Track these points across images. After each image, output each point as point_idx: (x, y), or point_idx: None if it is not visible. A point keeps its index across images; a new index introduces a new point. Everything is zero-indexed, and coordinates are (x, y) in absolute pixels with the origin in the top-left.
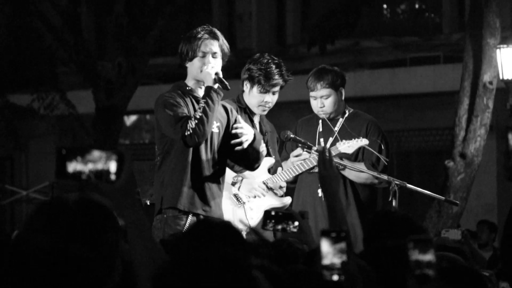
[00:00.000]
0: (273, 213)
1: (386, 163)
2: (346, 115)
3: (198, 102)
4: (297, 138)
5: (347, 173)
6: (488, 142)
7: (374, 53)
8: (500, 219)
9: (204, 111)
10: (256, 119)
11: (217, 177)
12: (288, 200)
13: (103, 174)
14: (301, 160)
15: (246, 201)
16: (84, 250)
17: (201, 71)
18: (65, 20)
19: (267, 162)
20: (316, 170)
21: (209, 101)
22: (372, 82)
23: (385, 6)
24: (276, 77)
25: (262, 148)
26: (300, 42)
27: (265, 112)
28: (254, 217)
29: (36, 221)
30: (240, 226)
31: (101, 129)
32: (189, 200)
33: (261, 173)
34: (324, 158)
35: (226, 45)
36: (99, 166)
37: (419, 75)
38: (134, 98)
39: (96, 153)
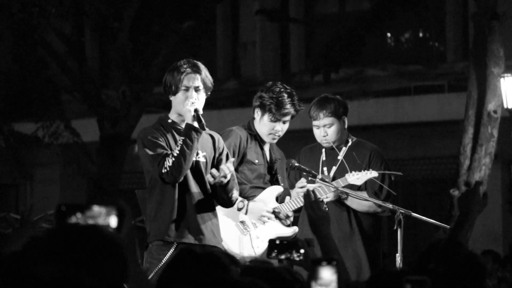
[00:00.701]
0: (277, 242)
1: (388, 192)
2: (349, 143)
3: (178, 133)
4: (302, 166)
5: (350, 201)
6: (493, 171)
7: (378, 81)
8: (505, 247)
9: (182, 150)
10: (266, 147)
11: (209, 206)
12: (295, 229)
13: None
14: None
15: (253, 228)
16: (86, 278)
17: (184, 106)
18: (69, 48)
19: (275, 190)
20: (324, 199)
21: (187, 140)
22: (377, 111)
23: (389, 34)
24: (288, 106)
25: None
26: (304, 71)
27: (275, 141)
28: (260, 246)
29: (40, 248)
30: (246, 254)
31: (105, 157)
32: (178, 232)
33: (269, 201)
34: (311, 200)
35: (209, 79)
36: (100, 221)
37: (423, 103)
38: (138, 127)
39: (96, 209)
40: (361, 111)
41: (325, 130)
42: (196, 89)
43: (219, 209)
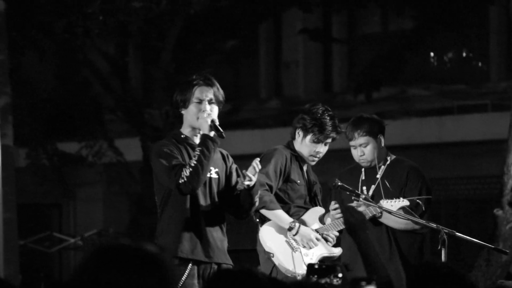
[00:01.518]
0: (316, 266)
1: (423, 211)
2: (388, 162)
3: (194, 150)
4: (345, 186)
5: (385, 219)
6: None
7: (421, 100)
8: None
9: (199, 160)
10: (305, 168)
11: (219, 223)
12: (340, 250)
13: None
14: (339, 214)
15: (302, 246)
16: None
17: (197, 118)
18: (113, 68)
19: (318, 211)
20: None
21: (204, 150)
22: (419, 130)
23: (432, 53)
24: (330, 129)
25: (256, 199)
26: (346, 90)
27: (314, 163)
28: (312, 261)
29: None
30: (299, 271)
31: (148, 176)
32: (190, 247)
33: (313, 222)
34: (347, 208)
35: (221, 93)
36: None
37: (466, 123)
38: None
39: None
40: (404, 130)
41: (361, 149)
42: (210, 102)
43: (265, 229)
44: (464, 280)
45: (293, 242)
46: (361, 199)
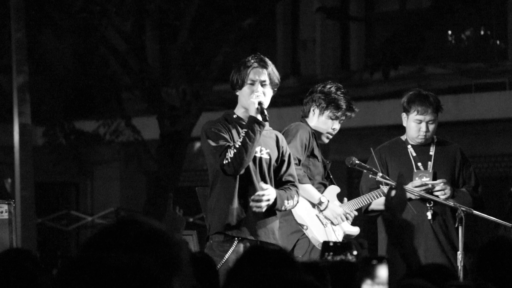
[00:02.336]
0: (331, 244)
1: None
2: (435, 140)
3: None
4: (362, 164)
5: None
6: None
7: (438, 79)
8: None
9: (244, 142)
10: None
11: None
12: (357, 230)
13: None
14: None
15: (329, 222)
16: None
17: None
18: (130, 47)
19: (335, 190)
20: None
21: (250, 132)
22: None
23: (449, 32)
24: (345, 107)
25: (291, 205)
26: (364, 68)
27: (328, 140)
28: (339, 238)
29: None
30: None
31: (165, 155)
32: (237, 226)
33: (333, 199)
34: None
35: (276, 74)
36: None
37: (484, 101)
38: (198, 124)
39: None
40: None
41: (428, 125)
42: (262, 84)
43: (302, 198)
44: None
45: (322, 217)
46: (378, 177)
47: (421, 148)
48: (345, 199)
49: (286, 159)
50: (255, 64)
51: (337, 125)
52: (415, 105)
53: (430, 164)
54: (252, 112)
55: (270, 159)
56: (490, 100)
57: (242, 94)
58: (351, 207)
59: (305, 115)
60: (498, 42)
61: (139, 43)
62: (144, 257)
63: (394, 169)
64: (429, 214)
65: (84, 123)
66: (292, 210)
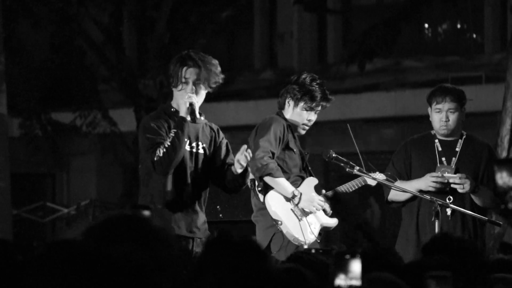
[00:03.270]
0: (313, 251)
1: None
2: (464, 136)
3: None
4: (340, 157)
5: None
6: None
7: (415, 72)
8: None
9: (173, 142)
10: (296, 137)
11: (202, 199)
12: (335, 221)
13: None
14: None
15: (304, 215)
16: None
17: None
18: (107, 38)
19: (313, 181)
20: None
21: (179, 132)
22: (413, 102)
23: (426, 25)
24: (320, 96)
25: (247, 181)
26: (340, 61)
27: (305, 132)
28: (315, 232)
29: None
30: (307, 240)
31: None
32: (174, 223)
33: (309, 192)
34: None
35: (214, 72)
36: None
37: None
38: None
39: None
40: (398, 102)
41: (447, 114)
42: (195, 83)
43: (272, 196)
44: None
45: (297, 211)
46: (355, 170)
47: (448, 143)
48: (323, 191)
49: (224, 146)
50: (190, 63)
51: (312, 116)
52: (435, 96)
53: (454, 160)
54: (183, 112)
55: (205, 153)
56: (467, 93)
57: (176, 91)
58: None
59: (281, 107)
60: (474, 35)
61: (116, 34)
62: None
63: (417, 163)
64: (448, 210)
65: (61, 114)
66: (267, 205)
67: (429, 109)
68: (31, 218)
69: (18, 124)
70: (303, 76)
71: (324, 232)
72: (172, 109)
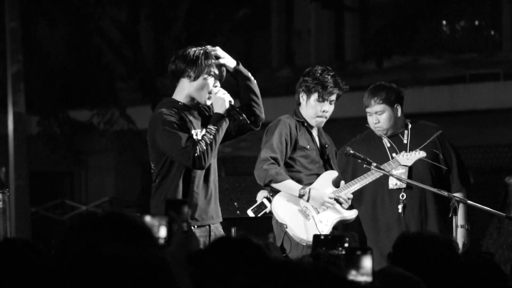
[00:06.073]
0: (322, 237)
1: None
2: (410, 126)
3: (192, 115)
4: (357, 154)
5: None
6: None
7: (433, 69)
8: None
9: (215, 138)
10: (315, 132)
11: (215, 186)
12: (354, 213)
13: None
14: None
15: (315, 213)
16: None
17: (208, 93)
18: (125, 37)
19: (331, 174)
20: (392, 187)
21: (220, 130)
22: (431, 99)
23: (444, 22)
24: (332, 84)
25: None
26: (358, 59)
27: (322, 124)
28: (324, 230)
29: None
30: (311, 238)
31: None
32: (191, 213)
33: (326, 186)
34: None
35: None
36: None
37: (478, 92)
38: None
39: (148, 220)
40: (416, 99)
41: (377, 117)
42: (221, 80)
43: (276, 201)
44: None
45: (307, 209)
46: (372, 167)
47: (395, 139)
48: (342, 182)
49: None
50: (214, 58)
51: (327, 107)
52: (364, 100)
53: (403, 153)
54: (220, 110)
55: None
56: (484, 90)
57: (194, 85)
58: (346, 191)
59: (298, 103)
60: (492, 32)
61: (133, 33)
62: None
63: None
64: (399, 207)
65: (79, 112)
66: (273, 211)
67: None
68: (49, 215)
69: (36, 122)
70: (315, 68)
71: (343, 224)
72: (180, 103)
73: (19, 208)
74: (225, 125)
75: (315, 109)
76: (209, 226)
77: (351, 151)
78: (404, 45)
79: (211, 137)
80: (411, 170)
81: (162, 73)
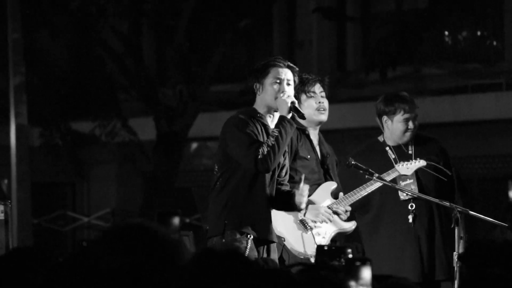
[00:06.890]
0: (326, 248)
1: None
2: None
3: (266, 131)
4: (359, 164)
5: None
6: None
7: (435, 79)
8: None
9: (277, 140)
10: (315, 141)
11: (271, 199)
12: (354, 224)
13: None
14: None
15: (313, 226)
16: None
17: (275, 98)
18: (127, 47)
19: (330, 186)
20: (403, 198)
21: (283, 131)
22: (433, 109)
23: (446, 32)
24: (307, 77)
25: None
26: (360, 69)
27: (324, 115)
28: (322, 243)
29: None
30: (309, 252)
31: (162, 155)
32: (251, 223)
33: (324, 197)
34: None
35: (296, 75)
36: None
37: (480, 102)
38: (195, 125)
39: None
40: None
41: (415, 123)
42: (288, 82)
43: (274, 214)
44: None
45: (303, 223)
46: (374, 177)
47: (398, 149)
48: (341, 193)
49: (287, 163)
50: (281, 64)
51: (320, 98)
52: (404, 104)
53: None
54: (284, 112)
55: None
56: (487, 101)
57: (266, 92)
58: (344, 203)
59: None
60: (494, 43)
61: (135, 43)
62: (137, 259)
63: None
64: (410, 218)
65: (81, 124)
66: (272, 224)
67: (384, 118)
68: (51, 227)
69: (38, 133)
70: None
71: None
72: (259, 114)
73: (21, 219)
74: (289, 127)
75: (312, 105)
76: (269, 242)
77: (353, 162)
78: (407, 56)
79: (273, 139)
80: (420, 181)
81: (164, 84)
